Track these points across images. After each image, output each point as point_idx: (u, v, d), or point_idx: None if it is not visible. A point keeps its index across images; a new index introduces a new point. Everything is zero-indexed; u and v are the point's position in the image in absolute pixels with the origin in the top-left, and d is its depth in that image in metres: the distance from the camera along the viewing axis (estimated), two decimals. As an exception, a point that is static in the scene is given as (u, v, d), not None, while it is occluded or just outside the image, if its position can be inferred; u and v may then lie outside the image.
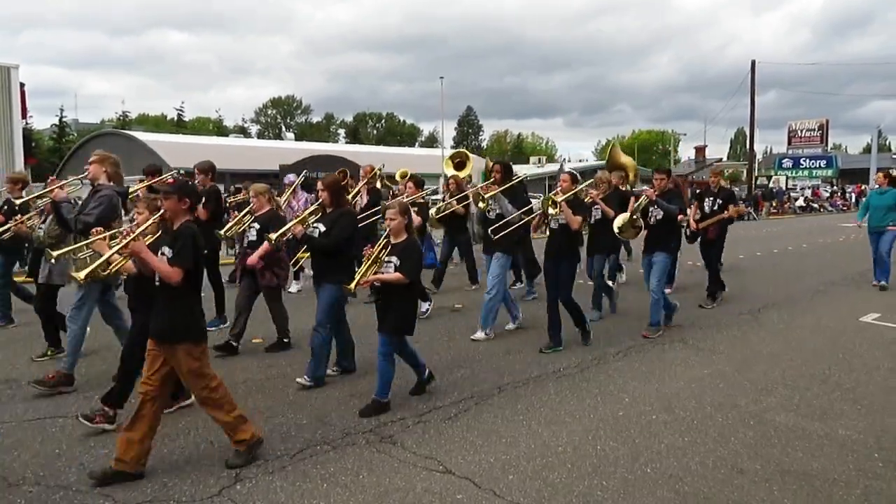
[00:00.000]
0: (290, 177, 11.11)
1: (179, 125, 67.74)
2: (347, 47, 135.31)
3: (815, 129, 49.06)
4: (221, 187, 9.64)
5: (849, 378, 5.77)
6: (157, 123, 72.43)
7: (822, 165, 48.51)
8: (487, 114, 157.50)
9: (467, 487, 3.73)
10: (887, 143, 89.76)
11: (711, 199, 9.21)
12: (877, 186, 11.14)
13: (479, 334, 7.15)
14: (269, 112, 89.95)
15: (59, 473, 3.90)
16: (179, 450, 4.24)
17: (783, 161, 50.10)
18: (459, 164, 12.39)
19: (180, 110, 69.91)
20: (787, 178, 48.68)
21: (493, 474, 3.89)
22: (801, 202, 41.06)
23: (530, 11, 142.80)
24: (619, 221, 7.65)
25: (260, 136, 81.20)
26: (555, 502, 3.58)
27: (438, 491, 3.69)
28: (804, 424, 4.67)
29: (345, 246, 5.42)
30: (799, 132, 49.78)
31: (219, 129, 74.02)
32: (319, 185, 5.72)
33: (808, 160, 48.71)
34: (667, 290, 9.38)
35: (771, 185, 45.18)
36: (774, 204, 38.54)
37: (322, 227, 5.46)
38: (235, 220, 7.51)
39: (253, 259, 6.42)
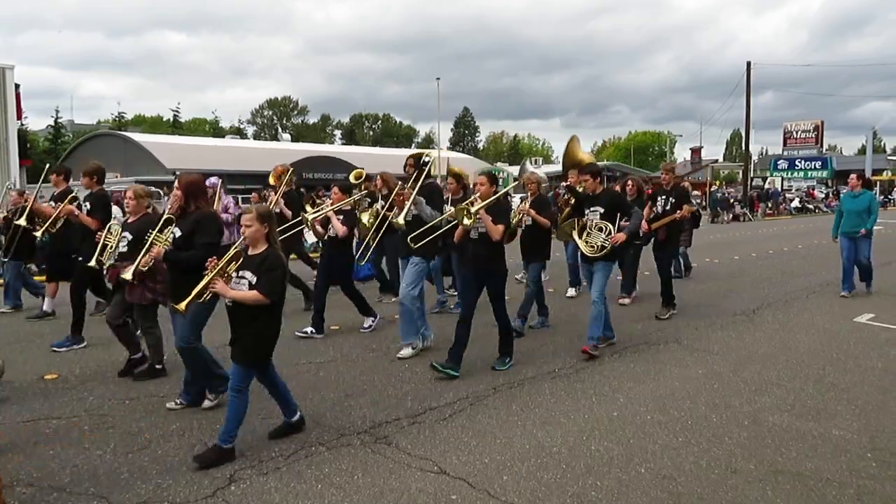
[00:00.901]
0: (213, 180, 9.67)
1: (175, 126, 67.70)
2: (345, 48, 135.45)
3: (810, 131, 49.24)
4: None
5: (843, 378, 5.79)
6: (154, 125, 72.41)
7: (817, 167, 48.67)
8: (484, 115, 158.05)
9: (462, 488, 3.73)
10: (882, 144, 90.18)
11: (664, 197, 8.57)
12: (848, 189, 10.26)
13: (406, 351, 6.45)
14: (266, 113, 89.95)
15: (54, 474, 3.89)
16: (174, 451, 4.23)
17: (779, 162, 50.27)
18: (455, 175, 12.00)
19: (176, 111, 69.86)
20: (783, 179, 48.83)
21: (487, 475, 3.89)
22: (796, 203, 41.16)
23: (528, 12, 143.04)
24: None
25: (256, 137, 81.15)
26: (549, 502, 3.59)
27: (433, 491, 3.69)
28: (798, 424, 4.69)
29: (212, 253, 4.39)
30: (794, 133, 49.95)
31: (215, 130, 73.94)
32: (175, 185, 5.08)
33: (803, 161, 48.87)
34: (625, 301, 9.33)
35: (766, 186, 45.29)
36: (770, 205, 38.64)
37: (178, 232, 4.87)
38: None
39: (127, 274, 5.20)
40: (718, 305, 9.25)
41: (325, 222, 7.37)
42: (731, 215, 33.59)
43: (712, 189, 38.56)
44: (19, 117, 21.93)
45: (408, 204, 6.29)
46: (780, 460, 4.10)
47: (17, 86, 19.69)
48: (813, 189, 47.79)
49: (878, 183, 51.68)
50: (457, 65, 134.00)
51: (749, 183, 40.19)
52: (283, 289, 4.26)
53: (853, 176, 10.08)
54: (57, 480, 3.82)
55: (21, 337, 7.35)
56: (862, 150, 66.75)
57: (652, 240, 8.75)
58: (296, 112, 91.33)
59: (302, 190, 12.80)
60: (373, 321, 7.71)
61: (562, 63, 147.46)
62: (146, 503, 3.56)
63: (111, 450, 4.24)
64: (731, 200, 35.61)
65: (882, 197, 48.52)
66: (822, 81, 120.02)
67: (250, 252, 4.25)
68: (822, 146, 50.53)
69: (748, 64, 36.44)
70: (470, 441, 4.39)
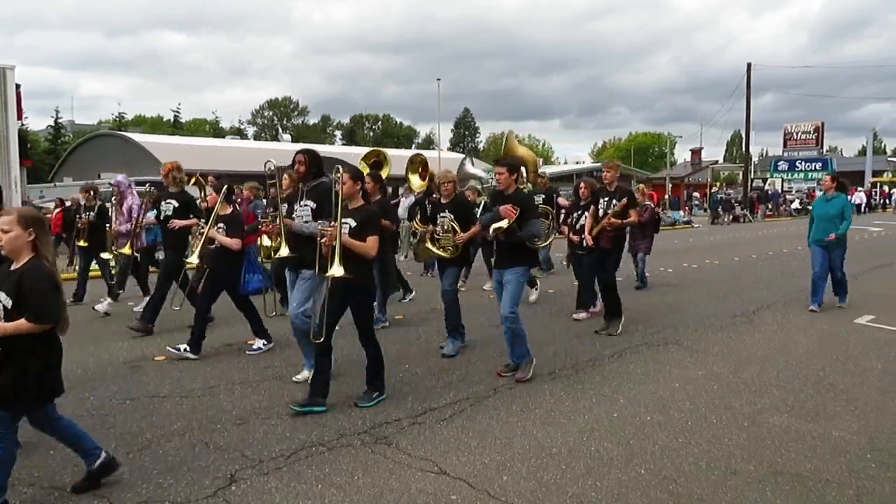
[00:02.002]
0: (119, 178, 9.16)
1: (176, 126, 67.66)
2: (345, 48, 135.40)
3: (810, 132, 49.25)
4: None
5: (843, 380, 5.80)
6: (154, 125, 72.39)
7: (817, 168, 48.64)
8: (484, 115, 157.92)
9: (462, 488, 3.74)
10: (882, 145, 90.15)
11: (606, 199, 7.59)
12: (822, 192, 9.39)
13: (303, 374, 5.70)
14: (266, 113, 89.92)
15: (54, 474, 3.90)
16: (174, 451, 4.24)
17: (779, 163, 50.28)
18: (376, 164, 10.31)
19: (177, 112, 69.82)
20: (783, 180, 48.85)
21: (487, 475, 3.90)
22: (796, 204, 41.18)
23: (528, 13, 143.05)
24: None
25: (256, 137, 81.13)
26: (549, 503, 3.59)
27: (433, 492, 3.69)
28: (798, 426, 4.69)
29: None
30: (795, 134, 49.95)
31: (215, 130, 73.95)
32: None
33: (803, 163, 48.87)
34: (581, 316, 8.30)
35: (767, 187, 45.32)
36: (770, 206, 38.66)
37: None
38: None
39: None
40: (718, 307, 9.26)
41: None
42: (731, 217, 33.60)
43: (712, 190, 38.59)
44: (20, 117, 21.90)
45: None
46: (779, 461, 4.11)
47: (17, 86, 19.70)
48: (813, 190, 47.77)
49: (878, 185, 51.70)
50: (456, 65, 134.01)
51: (749, 184, 40.21)
52: (57, 308, 3.42)
53: (827, 177, 9.29)
54: (58, 480, 3.83)
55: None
56: (862, 152, 66.75)
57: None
58: (296, 113, 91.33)
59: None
60: (264, 345, 6.71)
61: (561, 64, 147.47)
62: (147, 503, 3.57)
63: (112, 449, 4.21)
64: (732, 202, 35.62)
65: (883, 200, 48.55)
66: (821, 83, 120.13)
67: (13, 266, 3.41)
68: (822, 147, 50.55)
69: (748, 65, 36.46)
70: (470, 441, 4.40)
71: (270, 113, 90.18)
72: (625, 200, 7.40)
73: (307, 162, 5.60)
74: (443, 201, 6.71)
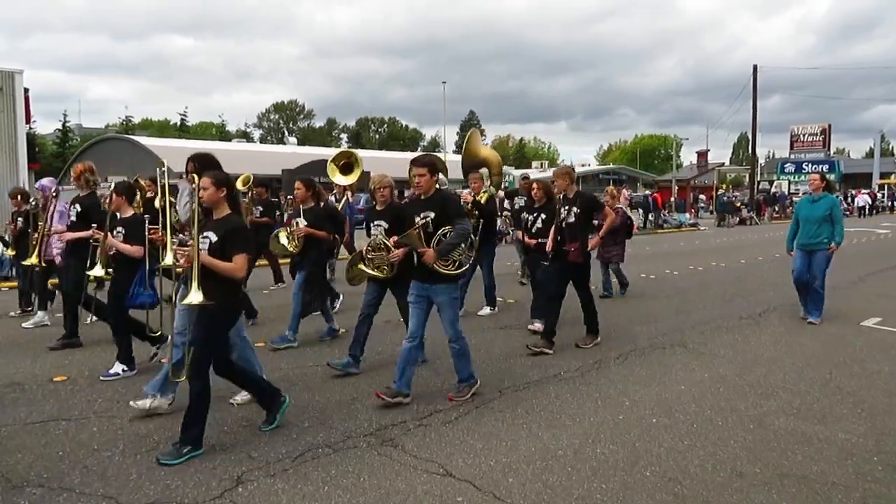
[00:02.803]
0: (44, 182, 8.25)
1: (183, 130, 67.93)
2: (350, 51, 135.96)
3: (817, 134, 49.08)
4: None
5: (849, 382, 5.78)
6: (161, 128, 72.78)
7: (824, 170, 48.46)
8: (490, 118, 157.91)
9: (467, 490, 3.75)
10: (890, 147, 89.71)
11: (567, 208, 6.83)
12: (809, 192, 8.68)
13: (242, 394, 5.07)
14: (272, 117, 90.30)
15: (63, 475, 3.93)
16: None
17: (785, 165, 50.11)
18: (346, 166, 10.02)
19: (184, 115, 70.10)
20: (790, 182, 48.69)
21: (493, 477, 3.91)
22: (803, 207, 40.97)
23: (534, 15, 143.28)
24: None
25: (262, 140, 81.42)
26: (554, 505, 3.60)
27: (439, 493, 3.71)
28: (804, 428, 4.69)
29: None
30: (801, 136, 49.79)
31: (222, 133, 74.24)
32: None
33: (810, 165, 48.68)
34: (537, 327, 7.56)
35: (773, 189, 45.19)
36: (777, 209, 38.55)
37: None
38: None
39: None
40: (724, 309, 9.25)
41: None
42: (737, 219, 33.52)
43: (718, 192, 38.49)
44: (28, 121, 22.10)
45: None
46: (785, 464, 4.11)
47: (25, 90, 19.86)
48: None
49: (885, 187, 51.47)
50: (462, 68, 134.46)
51: (756, 186, 40.11)
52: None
53: (814, 176, 8.57)
54: (66, 481, 3.85)
55: (28, 339, 7.40)
56: (870, 154, 66.53)
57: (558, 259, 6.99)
58: (302, 116, 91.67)
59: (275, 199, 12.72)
60: (123, 371, 5.98)
61: (567, 66, 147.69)
62: (155, 503, 3.59)
63: (120, 451, 4.27)
64: (738, 204, 35.54)
65: (891, 202, 48.34)
66: (829, 84, 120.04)
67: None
68: (829, 149, 50.36)
69: (754, 67, 36.45)
70: (476, 444, 4.41)
71: (276, 116, 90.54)
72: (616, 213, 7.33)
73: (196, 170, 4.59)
74: (378, 209, 5.92)
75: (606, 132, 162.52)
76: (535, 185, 7.74)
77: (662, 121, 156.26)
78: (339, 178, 10.21)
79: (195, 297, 4.05)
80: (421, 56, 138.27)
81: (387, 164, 29.72)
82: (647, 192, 39.59)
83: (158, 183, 4.80)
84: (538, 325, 7.53)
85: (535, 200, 7.74)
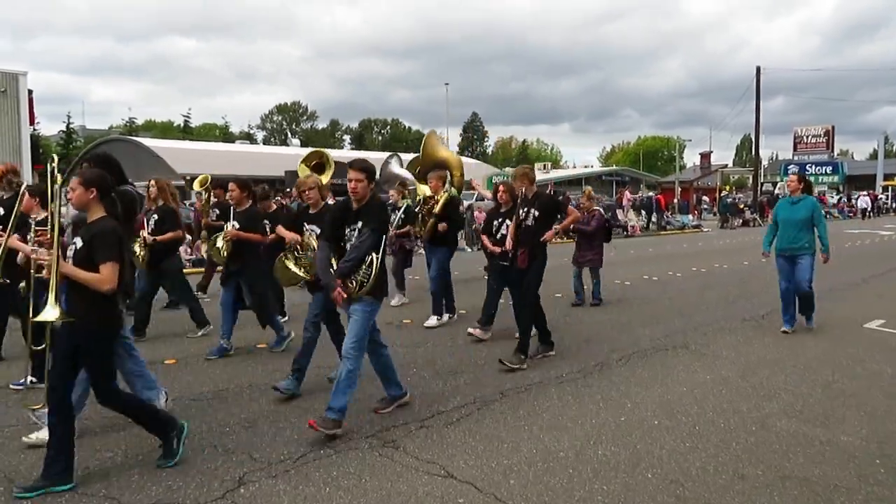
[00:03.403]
0: None
1: (186, 131, 68.10)
2: (353, 53, 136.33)
3: (820, 135, 49.06)
4: None
5: (852, 384, 5.77)
6: (164, 130, 72.96)
7: (828, 171, 48.47)
8: (493, 120, 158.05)
9: (469, 492, 3.75)
10: (894, 148, 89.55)
11: (525, 209, 6.43)
12: (787, 194, 8.08)
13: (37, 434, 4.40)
14: (275, 118, 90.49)
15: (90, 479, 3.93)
16: (183, 453, 4.26)
17: (789, 167, 50.00)
18: (318, 166, 9.72)
19: (187, 117, 70.27)
20: (793, 184, 48.58)
21: (494, 479, 3.91)
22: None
23: (537, 17, 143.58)
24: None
25: (266, 142, 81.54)
26: (556, 507, 3.60)
27: (440, 495, 3.71)
28: (806, 430, 4.68)
29: None
30: (805, 138, 49.78)
31: (225, 135, 74.39)
32: None
33: (814, 166, 48.65)
34: (478, 333, 7.27)
35: (776, 191, 45.08)
36: (780, 210, 38.41)
37: None
38: None
39: None
40: (727, 310, 9.24)
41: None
42: (740, 220, 33.48)
43: (721, 194, 38.45)
44: (32, 122, 22.19)
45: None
46: (787, 466, 4.10)
47: (29, 91, 19.96)
48: (824, 194, 47.55)
49: (889, 189, 51.37)
50: (465, 70, 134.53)
51: (759, 188, 40.06)
52: None
53: (792, 176, 7.88)
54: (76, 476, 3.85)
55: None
56: (874, 155, 66.37)
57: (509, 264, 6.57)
58: (305, 117, 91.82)
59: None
60: (22, 385, 5.57)
61: (570, 68, 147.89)
62: (157, 504, 3.60)
63: (122, 452, 4.28)
64: (741, 205, 35.48)
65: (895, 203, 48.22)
66: (833, 86, 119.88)
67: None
68: (832, 151, 50.37)
69: (757, 69, 36.42)
70: (477, 445, 4.41)
71: (279, 117, 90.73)
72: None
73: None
74: (311, 211, 5.72)
75: (610, 134, 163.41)
76: (500, 188, 7.20)
77: (666, 122, 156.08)
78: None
79: (50, 313, 3.59)
80: (424, 57, 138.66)
81: (389, 165, 29.70)
82: (651, 193, 39.56)
83: (49, 182, 4.00)
84: (479, 332, 7.29)
85: (502, 204, 7.12)
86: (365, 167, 4.70)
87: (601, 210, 10.07)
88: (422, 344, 7.23)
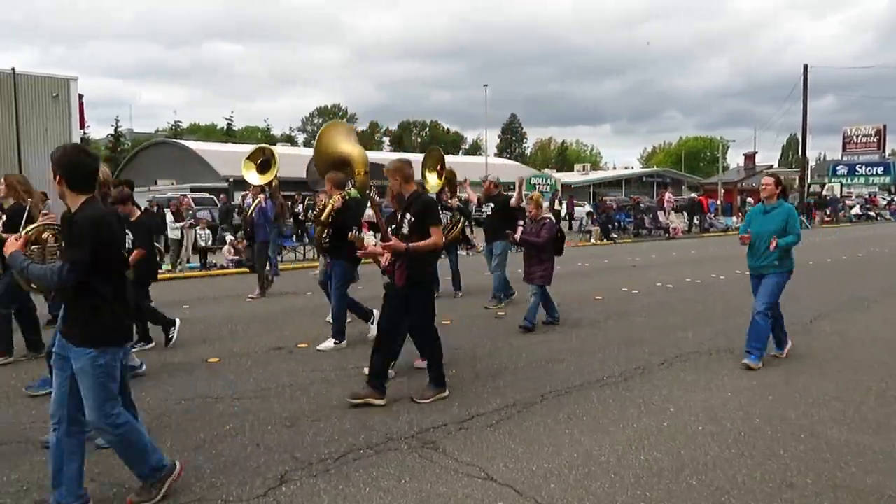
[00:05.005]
0: None
1: (229, 134, 69.45)
2: (393, 55, 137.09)
3: (871, 135, 47.57)
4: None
5: (906, 392, 5.57)
6: (208, 132, 74.51)
7: (878, 172, 46.94)
8: (531, 121, 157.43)
9: (509, 495, 3.72)
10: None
11: (399, 214, 5.51)
12: (760, 201, 6.81)
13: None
14: (316, 121, 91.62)
15: (114, 471, 4.02)
16: (227, 451, 4.34)
17: (837, 168, 48.71)
18: (264, 163, 9.20)
19: (230, 120, 71.65)
20: (842, 185, 47.27)
21: (534, 482, 3.87)
22: (857, 210, 39.80)
23: (579, 17, 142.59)
24: None
25: (306, 144, 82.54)
26: (597, 512, 3.55)
27: (480, 497, 3.69)
28: (858, 439, 4.53)
29: None
30: (854, 138, 48.33)
31: (267, 137, 75.64)
32: None
33: (863, 167, 47.19)
34: (417, 362, 6.10)
35: (825, 192, 43.93)
36: (828, 212, 37.46)
37: None
38: None
39: None
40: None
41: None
42: (786, 222, 32.63)
43: (766, 195, 37.50)
44: (83, 126, 22.86)
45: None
46: (838, 475, 3.97)
47: (80, 96, 20.55)
48: (874, 195, 46.12)
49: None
50: (504, 71, 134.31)
51: (806, 189, 39.04)
52: None
53: (766, 178, 6.59)
54: (117, 477, 3.95)
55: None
56: (927, 155, 64.04)
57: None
58: (344, 119, 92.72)
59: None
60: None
61: (612, 68, 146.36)
62: (201, 500, 3.66)
63: (168, 448, 4.36)
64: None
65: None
66: (885, 83, 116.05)
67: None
68: (884, 151, 48.75)
69: (805, 67, 35.55)
70: (517, 448, 4.38)
71: (320, 120, 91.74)
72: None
73: None
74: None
75: (652, 134, 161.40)
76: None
77: (709, 123, 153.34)
78: (253, 177, 8.89)
79: None
80: (463, 59, 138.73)
81: (428, 167, 29.79)
82: (693, 194, 38.88)
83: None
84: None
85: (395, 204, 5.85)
86: (56, 162, 3.40)
87: (552, 218, 8.48)
88: (461, 345, 7.22)
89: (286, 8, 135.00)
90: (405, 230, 5.28)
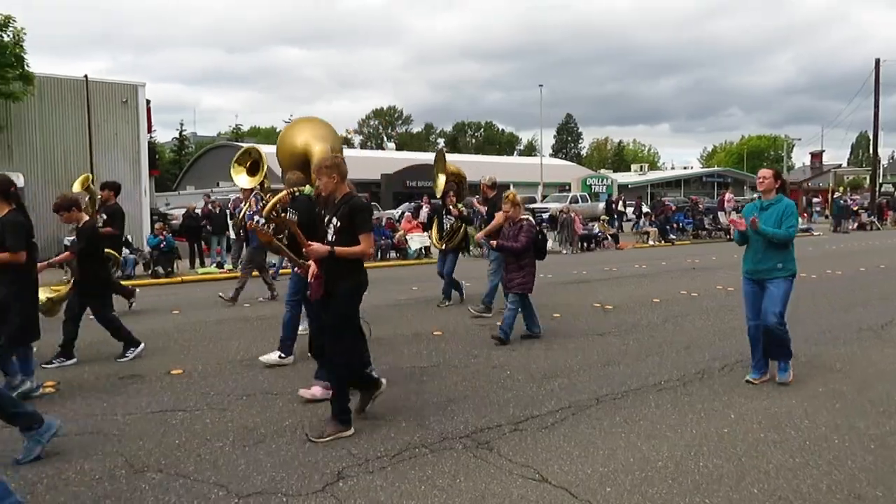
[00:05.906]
0: None
1: (287, 137, 70.90)
2: (450, 57, 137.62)
3: (949, 132, 45.20)
4: None
5: None
6: (267, 135, 76.18)
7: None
8: (588, 121, 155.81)
9: (563, 497, 3.70)
10: None
11: (328, 218, 4.79)
12: (757, 197, 6.15)
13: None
14: (372, 123, 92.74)
15: (179, 463, 4.19)
16: (286, 446, 4.44)
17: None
18: (253, 165, 8.74)
19: (288, 122, 73.21)
20: (916, 184, 45.09)
21: (589, 485, 3.84)
22: (933, 211, 37.86)
23: (639, 15, 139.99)
24: None
25: (362, 146, 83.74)
26: (654, 518, 3.50)
27: (534, 499, 3.68)
28: (932, 451, 4.33)
29: None
30: (930, 135, 46.01)
31: (324, 139, 76.89)
32: None
33: (941, 166, 44.90)
34: (317, 390, 5.34)
35: (897, 192, 41.98)
36: (901, 213, 35.77)
37: None
38: None
39: None
40: (841, 319, 8.67)
41: None
42: (855, 224, 31.38)
43: (834, 196, 36.16)
44: (150, 130, 23.76)
45: None
46: (910, 488, 3.81)
47: (147, 101, 21.36)
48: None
49: None
50: (561, 71, 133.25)
51: (878, 189, 37.41)
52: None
53: (764, 171, 5.86)
54: (182, 468, 4.10)
55: (159, 332, 7.93)
56: None
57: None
58: (400, 121, 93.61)
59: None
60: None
61: (671, 67, 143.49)
62: (262, 493, 3.76)
63: (230, 442, 4.51)
64: (856, 208, 33.25)
65: None
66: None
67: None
68: (962, 149, 46.27)
69: (877, 61, 34.05)
70: (572, 451, 4.35)
71: (376, 122, 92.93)
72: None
73: None
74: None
75: (711, 133, 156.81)
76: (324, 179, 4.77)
77: (773, 120, 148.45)
78: (242, 180, 8.48)
79: None
80: (520, 60, 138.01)
81: (483, 168, 29.84)
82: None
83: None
84: (315, 391, 5.36)
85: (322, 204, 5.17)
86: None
87: (530, 219, 7.72)
88: (517, 347, 7.20)
89: (345, 12, 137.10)
90: (330, 237, 4.66)
